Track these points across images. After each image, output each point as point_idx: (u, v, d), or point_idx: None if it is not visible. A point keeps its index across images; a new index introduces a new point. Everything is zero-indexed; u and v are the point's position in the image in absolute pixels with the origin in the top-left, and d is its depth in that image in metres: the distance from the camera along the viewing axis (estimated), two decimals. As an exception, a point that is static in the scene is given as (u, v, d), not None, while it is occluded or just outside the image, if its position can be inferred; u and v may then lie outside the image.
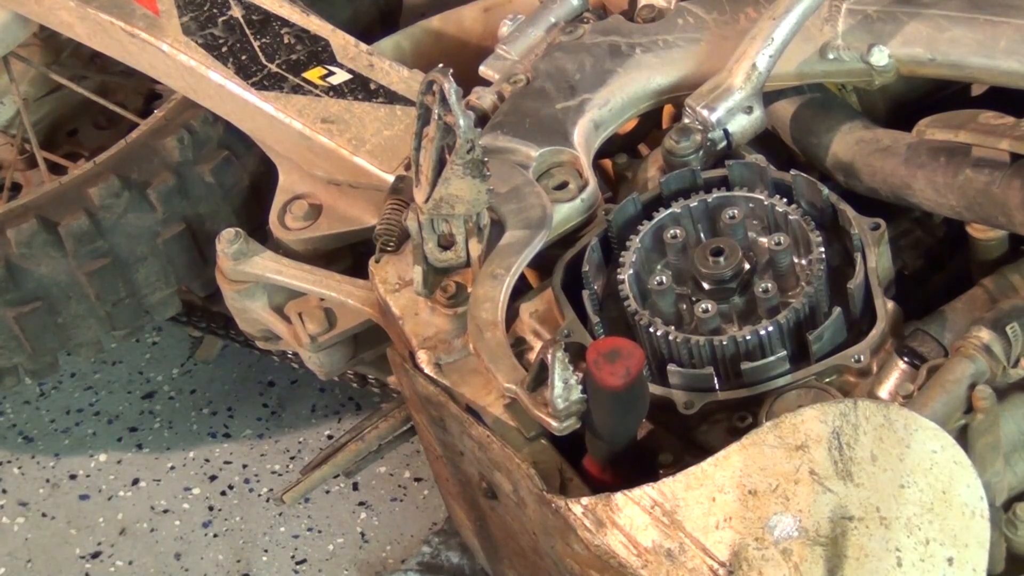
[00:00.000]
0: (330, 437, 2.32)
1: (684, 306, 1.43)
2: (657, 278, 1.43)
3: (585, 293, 1.45)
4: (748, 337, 1.36)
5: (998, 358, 1.33)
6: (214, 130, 1.99)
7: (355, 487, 2.26)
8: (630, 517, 1.28)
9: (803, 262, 1.40)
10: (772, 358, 1.35)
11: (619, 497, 1.29)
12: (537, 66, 1.64)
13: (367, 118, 1.77)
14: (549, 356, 1.29)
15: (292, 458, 2.33)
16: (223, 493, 2.31)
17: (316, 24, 1.89)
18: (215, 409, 2.42)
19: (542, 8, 1.72)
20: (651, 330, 1.39)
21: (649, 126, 1.72)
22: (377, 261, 1.58)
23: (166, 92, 2.33)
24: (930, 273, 1.59)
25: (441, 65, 1.36)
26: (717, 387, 1.38)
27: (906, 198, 1.49)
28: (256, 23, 1.89)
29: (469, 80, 1.63)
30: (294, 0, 1.93)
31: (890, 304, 1.40)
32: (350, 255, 1.85)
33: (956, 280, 1.54)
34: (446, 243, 1.49)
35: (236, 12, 1.91)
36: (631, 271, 1.44)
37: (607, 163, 1.71)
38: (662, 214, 1.46)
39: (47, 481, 2.37)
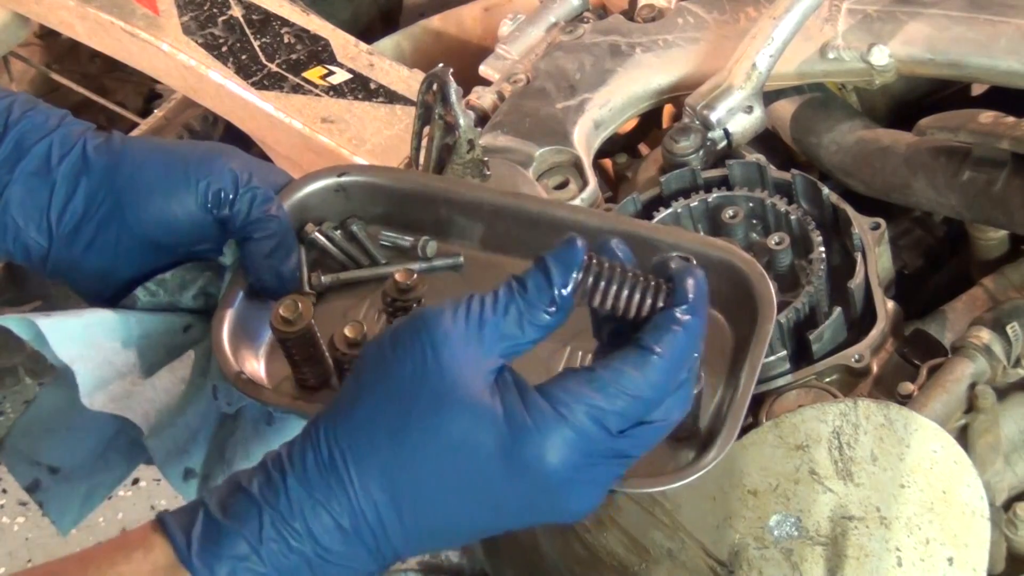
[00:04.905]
0: (330, 437, 2.32)
1: (684, 306, 1.43)
2: (657, 278, 1.43)
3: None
4: (748, 337, 1.36)
5: (998, 358, 1.33)
6: (214, 130, 1.99)
7: (355, 487, 2.26)
8: (630, 517, 1.28)
9: (803, 262, 1.40)
10: (772, 358, 1.35)
11: (619, 497, 1.29)
12: (537, 66, 1.64)
13: (367, 118, 1.77)
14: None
15: (292, 458, 2.33)
16: (223, 493, 2.31)
17: (316, 24, 1.89)
18: (215, 409, 2.42)
19: (542, 8, 1.72)
20: (651, 330, 1.38)
21: (649, 126, 1.72)
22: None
23: (166, 92, 2.33)
24: (930, 273, 1.59)
25: (441, 64, 1.36)
26: (717, 387, 1.38)
27: (906, 198, 1.49)
28: (256, 23, 1.90)
29: (469, 80, 1.63)
30: (294, 0, 1.93)
31: (890, 304, 1.40)
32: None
33: (956, 280, 1.54)
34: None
35: (236, 12, 1.91)
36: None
37: (607, 163, 1.71)
38: (662, 214, 1.46)
39: (47, 481, 2.37)
